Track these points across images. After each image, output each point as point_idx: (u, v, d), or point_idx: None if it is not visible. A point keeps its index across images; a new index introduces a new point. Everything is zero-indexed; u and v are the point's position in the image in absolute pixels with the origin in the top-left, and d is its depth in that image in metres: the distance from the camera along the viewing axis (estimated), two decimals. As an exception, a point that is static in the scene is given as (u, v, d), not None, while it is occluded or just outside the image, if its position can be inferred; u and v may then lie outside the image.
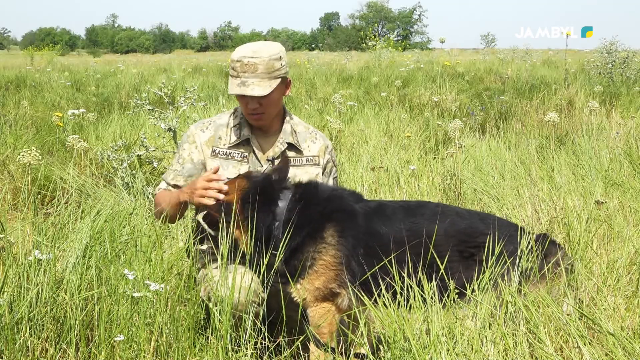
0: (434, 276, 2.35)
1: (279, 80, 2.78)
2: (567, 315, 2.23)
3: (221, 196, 2.52)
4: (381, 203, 2.69)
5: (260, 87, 2.72)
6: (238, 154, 2.86)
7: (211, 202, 2.53)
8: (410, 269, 2.35)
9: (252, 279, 2.52)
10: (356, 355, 2.46)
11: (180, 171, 2.88)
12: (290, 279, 2.52)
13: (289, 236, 2.47)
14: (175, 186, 2.88)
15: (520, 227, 2.55)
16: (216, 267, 2.74)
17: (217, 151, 2.86)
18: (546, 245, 2.45)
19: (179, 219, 2.93)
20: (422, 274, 2.32)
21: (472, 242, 2.45)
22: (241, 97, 2.79)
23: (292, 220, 2.49)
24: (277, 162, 2.87)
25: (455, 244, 2.45)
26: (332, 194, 2.64)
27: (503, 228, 2.49)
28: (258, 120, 2.82)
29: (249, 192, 2.50)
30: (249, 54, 2.75)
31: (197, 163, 2.87)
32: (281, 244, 2.45)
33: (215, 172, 2.60)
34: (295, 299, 2.55)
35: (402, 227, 2.48)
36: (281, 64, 2.80)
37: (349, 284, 2.47)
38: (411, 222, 2.50)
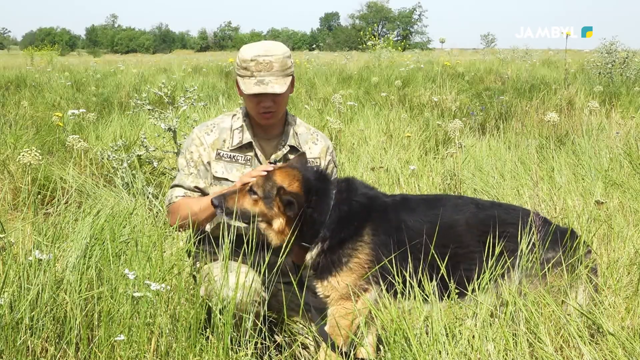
0: (460, 267, 2.39)
1: (290, 77, 2.80)
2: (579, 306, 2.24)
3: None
4: (405, 196, 2.72)
5: (278, 85, 2.72)
6: (242, 157, 2.85)
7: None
8: (436, 260, 2.37)
9: (253, 278, 2.53)
10: (356, 358, 2.46)
11: (197, 174, 2.84)
12: (319, 273, 2.51)
13: (333, 231, 2.48)
14: (197, 188, 2.83)
15: (545, 219, 2.54)
16: (217, 267, 2.74)
17: (221, 154, 2.84)
18: (575, 241, 2.44)
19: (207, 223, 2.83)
20: (424, 270, 2.34)
21: (495, 232, 2.43)
22: (255, 97, 2.75)
23: (335, 216, 2.50)
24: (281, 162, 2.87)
25: (477, 235, 2.45)
26: (369, 193, 2.63)
27: (526, 218, 2.46)
28: (269, 119, 2.80)
29: (311, 184, 2.49)
30: (262, 53, 2.74)
31: (207, 164, 2.85)
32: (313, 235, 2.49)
33: None
34: (319, 293, 2.54)
35: (425, 219, 2.50)
36: (291, 62, 2.84)
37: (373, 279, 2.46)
38: (433, 214, 2.51)
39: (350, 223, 2.50)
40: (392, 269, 2.37)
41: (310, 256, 2.54)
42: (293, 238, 2.46)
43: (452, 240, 2.44)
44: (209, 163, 2.85)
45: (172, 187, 2.89)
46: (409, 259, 2.40)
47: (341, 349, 2.42)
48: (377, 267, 2.44)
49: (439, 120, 7.72)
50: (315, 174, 2.57)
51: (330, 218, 2.50)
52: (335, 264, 2.48)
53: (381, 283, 2.41)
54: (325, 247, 2.50)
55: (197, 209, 2.70)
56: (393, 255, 2.42)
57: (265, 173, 2.52)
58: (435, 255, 2.37)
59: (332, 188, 2.56)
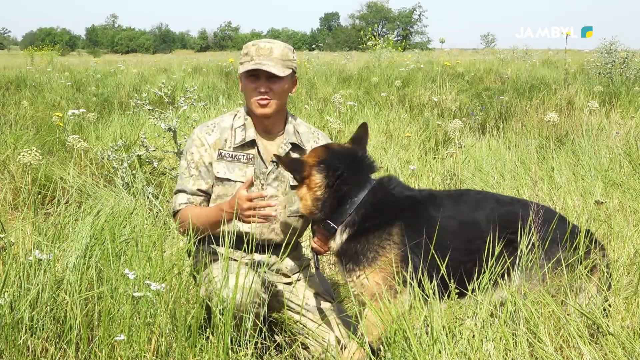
0: (478, 263, 2.38)
1: (291, 71, 2.82)
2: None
3: (274, 213, 2.59)
4: (432, 192, 2.73)
5: (275, 69, 2.75)
6: (244, 155, 2.83)
7: (263, 221, 2.57)
8: (457, 256, 2.38)
9: (253, 279, 2.53)
10: None
11: (199, 175, 2.82)
12: (346, 264, 2.51)
13: (363, 217, 2.49)
14: (200, 190, 2.82)
15: (564, 217, 2.53)
16: (217, 268, 2.74)
17: (222, 154, 2.83)
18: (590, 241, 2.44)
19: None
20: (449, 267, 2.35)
21: (513, 228, 2.41)
22: (251, 82, 2.78)
23: (367, 203, 2.52)
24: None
25: (497, 231, 2.42)
26: (405, 190, 2.65)
27: (546, 215, 2.45)
28: (264, 108, 2.79)
29: (334, 159, 2.56)
30: (265, 41, 2.81)
31: (208, 165, 2.84)
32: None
33: (249, 185, 2.58)
34: (352, 290, 2.52)
35: (449, 215, 2.50)
36: (294, 56, 2.87)
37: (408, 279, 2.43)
38: (457, 211, 2.52)
39: (383, 212, 2.49)
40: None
41: (339, 240, 2.52)
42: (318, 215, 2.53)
43: (474, 237, 2.44)
44: (210, 164, 2.83)
45: (175, 192, 2.87)
46: (436, 257, 2.38)
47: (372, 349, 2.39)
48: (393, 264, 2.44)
49: (439, 120, 7.72)
50: (352, 151, 2.64)
51: (363, 200, 2.50)
52: (364, 256, 2.46)
53: (414, 283, 2.36)
54: (353, 233, 2.49)
55: (203, 223, 2.68)
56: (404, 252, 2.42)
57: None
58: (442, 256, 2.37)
59: (368, 169, 2.61)
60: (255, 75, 2.77)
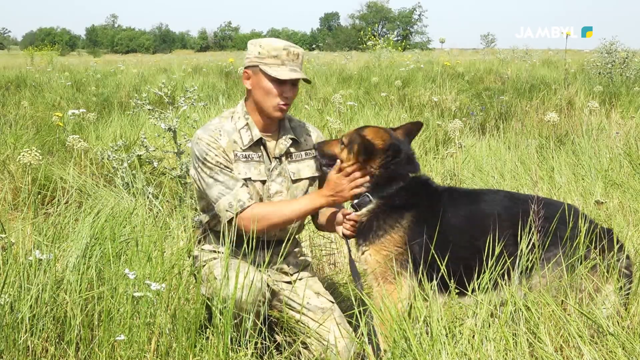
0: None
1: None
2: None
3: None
4: (450, 188, 2.82)
5: (303, 75, 2.81)
6: (255, 154, 2.83)
7: (363, 189, 2.66)
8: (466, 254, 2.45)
9: (254, 277, 2.53)
10: None
11: (232, 172, 2.77)
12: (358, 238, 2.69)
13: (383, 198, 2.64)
14: (249, 179, 2.80)
15: (583, 214, 2.53)
16: (218, 267, 2.74)
17: (238, 155, 2.80)
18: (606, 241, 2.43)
19: None
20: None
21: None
22: (280, 86, 2.77)
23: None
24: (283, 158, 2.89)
25: (510, 227, 2.44)
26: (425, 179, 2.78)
27: (562, 212, 2.46)
28: (283, 111, 2.83)
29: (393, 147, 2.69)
30: (290, 44, 2.82)
31: (229, 166, 2.79)
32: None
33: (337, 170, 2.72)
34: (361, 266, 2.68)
35: (463, 213, 2.57)
36: None
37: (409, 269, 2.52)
38: (472, 208, 2.59)
39: (400, 200, 2.62)
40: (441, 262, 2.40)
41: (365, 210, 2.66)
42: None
43: (484, 234, 2.46)
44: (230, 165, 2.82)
45: (222, 194, 2.73)
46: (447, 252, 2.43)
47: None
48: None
49: (439, 120, 7.72)
50: (406, 147, 2.74)
51: (389, 186, 2.65)
52: (373, 232, 2.61)
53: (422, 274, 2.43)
54: (371, 210, 2.65)
55: (292, 214, 2.73)
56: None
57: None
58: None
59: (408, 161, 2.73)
60: (282, 80, 2.78)
